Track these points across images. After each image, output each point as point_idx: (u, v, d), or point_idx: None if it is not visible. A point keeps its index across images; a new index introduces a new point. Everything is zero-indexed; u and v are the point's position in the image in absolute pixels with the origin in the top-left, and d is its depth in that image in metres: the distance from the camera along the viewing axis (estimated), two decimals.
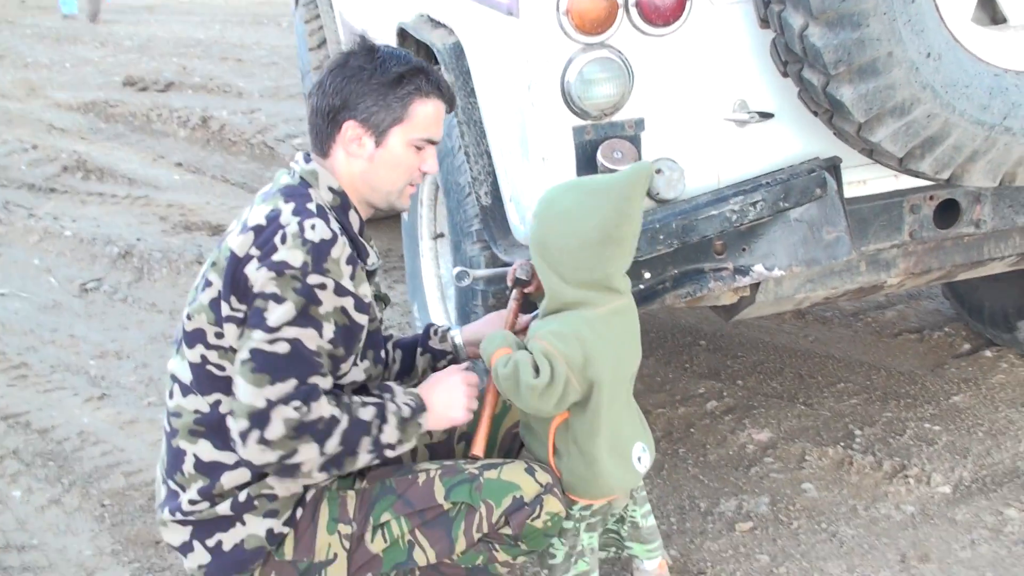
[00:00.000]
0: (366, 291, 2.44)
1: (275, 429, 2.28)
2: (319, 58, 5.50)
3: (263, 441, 2.28)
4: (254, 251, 2.34)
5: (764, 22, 2.73)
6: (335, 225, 2.40)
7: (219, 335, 2.39)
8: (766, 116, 2.85)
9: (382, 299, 2.70)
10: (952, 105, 2.58)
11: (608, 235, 2.41)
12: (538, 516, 2.48)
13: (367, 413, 2.38)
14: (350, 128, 2.46)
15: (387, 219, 5.64)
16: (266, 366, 2.30)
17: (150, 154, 7.34)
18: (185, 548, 2.49)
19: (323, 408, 2.31)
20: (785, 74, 2.76)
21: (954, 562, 2.99)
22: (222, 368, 2.41)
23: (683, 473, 3.48)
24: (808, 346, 4.30)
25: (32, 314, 5.19)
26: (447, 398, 2.52)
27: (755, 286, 3.10)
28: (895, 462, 3.43)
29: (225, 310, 2.37)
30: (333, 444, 2.32)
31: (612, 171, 2.71)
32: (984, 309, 4.13)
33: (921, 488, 3.32)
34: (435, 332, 2.89)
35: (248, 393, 2.29)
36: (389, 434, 2.40)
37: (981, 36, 2.64)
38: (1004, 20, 2.72)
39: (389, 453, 2.41)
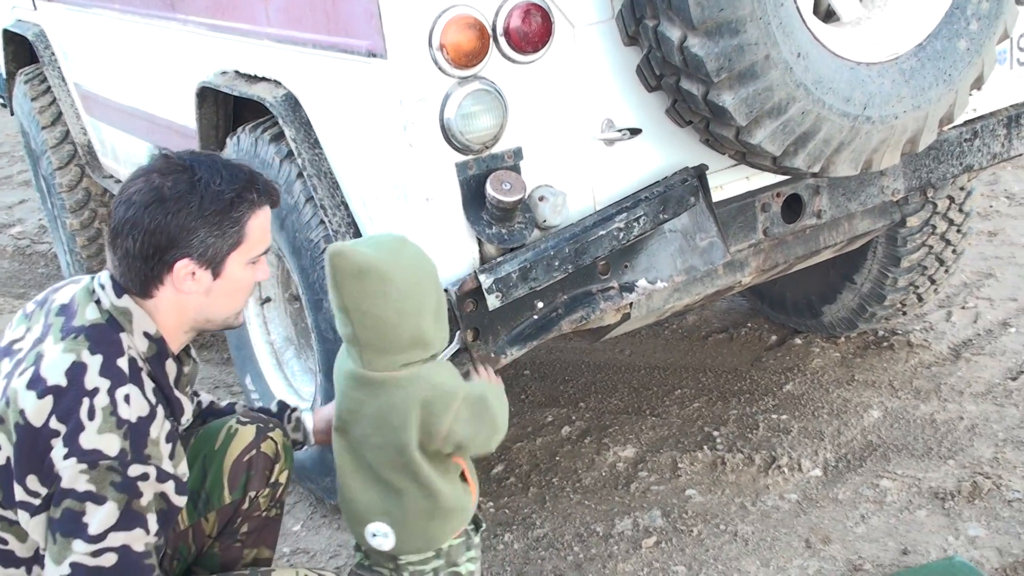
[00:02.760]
0: (184, 469, 2.20)
1: None
2: (56, 136, 5.12)
3: None
4: (56, 424, 2.03)
5: (631, 40, 2.76)
6: (150, 391, 2.13)
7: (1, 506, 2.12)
8: (635, 132, 2.88)
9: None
10: (822, 100, 2.69)
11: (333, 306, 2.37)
12: None
13: None
14: (183, 268, 2.17)
15: None
16: None
17: None
18: None
19: None
20: (653, 89, 2.80)
21: (854, 539, 3.11)
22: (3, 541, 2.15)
23: (566, 501, 3.45)
24: (628, 360, 4.37)
25: None
26: None
27: (630, 303, 3.13)
28: (763, 455, 3.54)
29: (19, 493, 2.07)
30: None
31: (503, 203, 2.66)
32: (787, 300, 4.34)
33: (795, 475, 3.43)
34: (288, 418, 2.75)
35: None
36: None
37: (832, 33, 2.77)
38: (836, 17, 2.88)
39: None
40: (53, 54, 5.03)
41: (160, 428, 2.11)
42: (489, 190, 2.67)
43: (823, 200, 3.24)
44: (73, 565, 2.01)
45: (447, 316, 2.45)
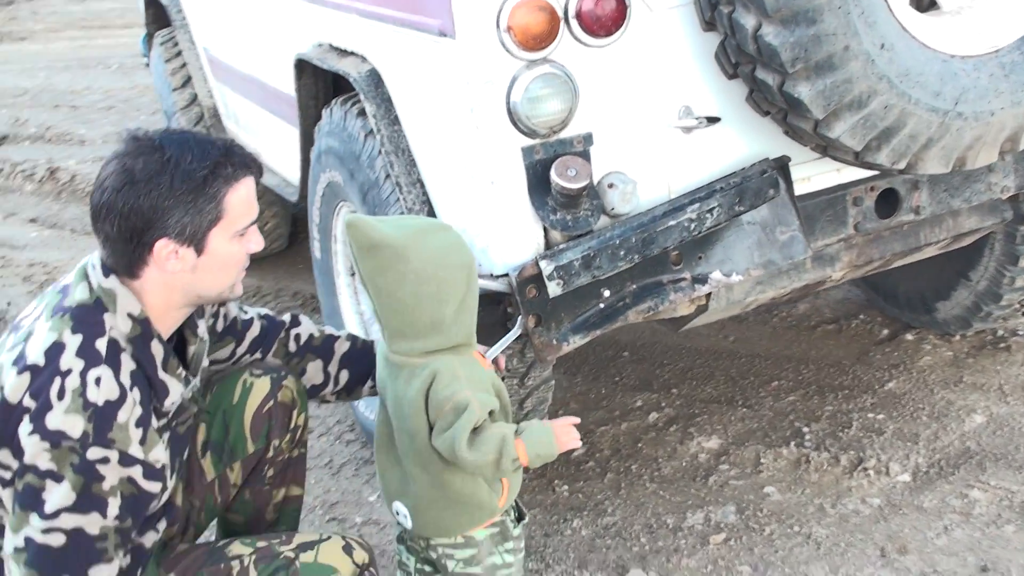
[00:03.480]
0: (158, 455, 2.18)
1: None
2: (185, 98, 5.25)
3: None
4: (28, 401, 2.08)
5: (709, 25, 2.67)
6: (128, 373, 2.14)
7: None
8: (712, 120, 2.79)
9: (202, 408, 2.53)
10: (907, 94, 2.56)
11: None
12: None
13: None
14: (163, 248, 2.17)
15: (272, 256, 5.48)
16: (37, 559, 2.06)
17: (2, 212, 6.95)
18: None
19: None
20: (732, 76, 2.71)
21: (933, 550, 2.97)
22: None
23: (642, 490, 3.40)
24: (731, 347, 4.27)
25: None
26: None
27: (708, 295, 3.05)
28: (850, 456, 3.41)
29: None
30: None
31: (568, 189, 2.61)
32: (899, 294, 4.17)
33: (882, 479, 3.30)
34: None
35: None
36: None
37: (925, 23, 2.63)
38: (936, 6, 2.72)
39: None
40: (184, 18, 5.15)
41: (130, 412, 2.11)
42: (554, 176, 2.63)
43: (923, 196, 3.09)
44: (27, 539, 2.06)
45: (476, 311, 2.38)
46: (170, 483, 2.32)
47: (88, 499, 2.05)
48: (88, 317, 2.15)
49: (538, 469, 3.54)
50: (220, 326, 2.61)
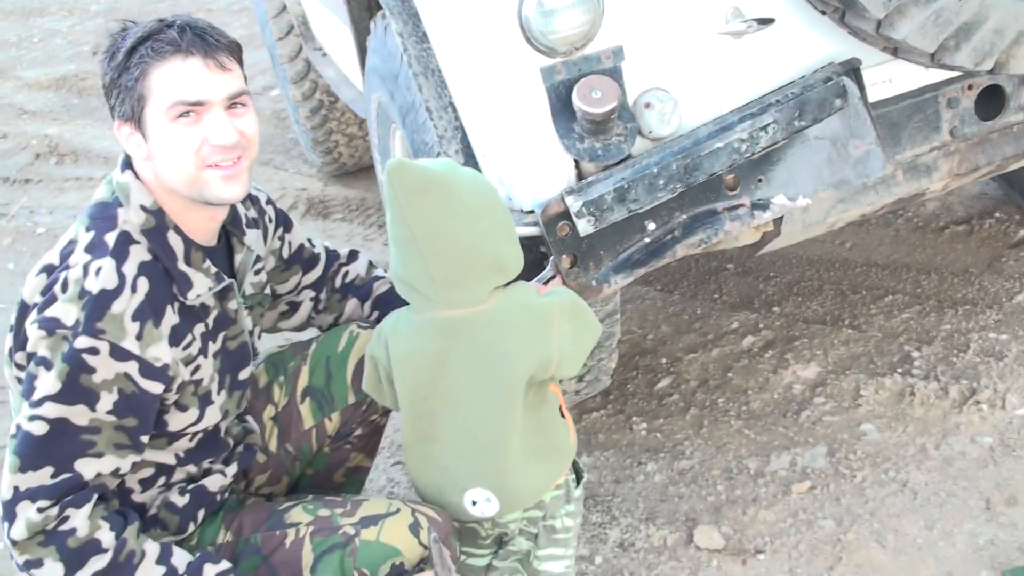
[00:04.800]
0: (158, 353, 2.03)
1: (18, 529, 1.97)
2: (276, 6, 5.04)
3: (9, 538, 1.97)
4: (38, 299, 2.03)
5: None
6: (131, 265, 2.02)
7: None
8: (765, 23, 2.40)
9: (258, 303, 2.37)
10: None
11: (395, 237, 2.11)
12: None
13: (147, 569, 2.04)
14: (119, 128, 2.08)
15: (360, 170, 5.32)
16: (21, 447, 1.97)
17: None
18: None
19: (81, 521, 1.98)
20: None
21: None
22: None
23: (725, 428, 3.10)
24: (846, 255, 3.87)
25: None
26: None
27: (779, 218, 2.69)
28: (962, 386, 3.03)
29: (11, 370, 2.08)
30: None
31: (592, 114, 2.29)
32: None
33: (996, 414, 2.92)
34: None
35: (4, 476, 1.99)
36: None
37: None
38: None
39: None
40: None
41: (126, 304, 1.99)
42: (576, 100, 2.31)
43: None
44: (17, 425, 2.00)
45: (517, 237, 2.18)
46: (218, 398, 2.21)
47: (73, 390, 1.96)
48: (102, 213, 2.09)
49: (615, 405, 3.28)
50: (286, 252, 2.51)
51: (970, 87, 2.60)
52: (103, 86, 2.09)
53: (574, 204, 2.34)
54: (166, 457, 2.19)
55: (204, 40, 2.07)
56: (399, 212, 2.04)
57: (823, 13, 2.32)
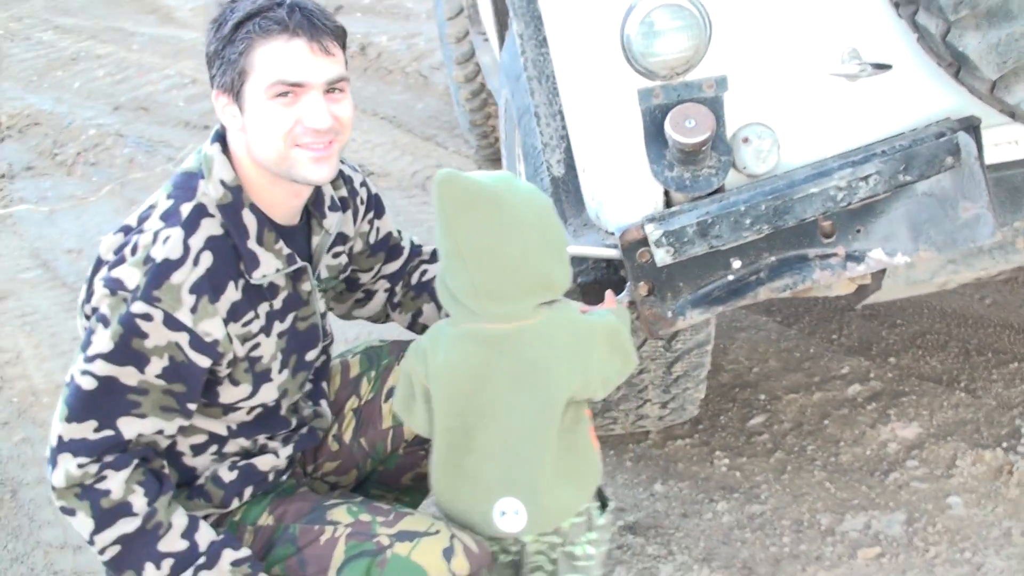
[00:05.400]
0: (210, 328, 2.05)
1: (58, 477, 2.03)
2: None
3: (51, 483, 2.05)
4: (111, 257, 2.08)
5: None
6: (199, 238, 2.05)
7: None
8: (882, 68, 2.28)
9: (331, 287, 2.40)
10: None
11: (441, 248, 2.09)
12: None
13: (170, 541, 2.06)
14: (217, 98, 2.10)
15: None
16: (71, 398, 2.04)
17: None
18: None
19: (118, 484, 2.02)
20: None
21: None
22: None
23: (808, 478, 2.98)
24: (983, 312, 3.67)
25: None
26: None
27: (880, 272, 2.57)
28: None
29: (81, 320, 2.13)
30: (108, 537, 2.03)
31: (682, 144, 2.22)
32: None
33: None
34: None
35: (54, 422, 2.06)
36: None
37: None
38: None
39: None
40: None
41: (185, 276, 2.02)
42: (668, 127, 2.24)
43: None
44: (71, 375, 2.05)
45: (568, 256, 2.15)
46: (279, 377, 2.23)
47: (125, 351, 2.01)
48: (185, 183, 2.13)
49: (702, 436, 3.20)
50: (373, 238, 2.51)
51: None
52: (206, 55, 2.12)
53: (654, 233, 2.28)
54: (219, 427, 2.22)
55: (311, 22, 2.07)
56: (446, 225, 2.02)
57: (941, 66, 2.19)
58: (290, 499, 2.31)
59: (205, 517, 2.20)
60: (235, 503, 2.25)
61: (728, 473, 3.04)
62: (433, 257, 2.61)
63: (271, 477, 2.31)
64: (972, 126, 2.30)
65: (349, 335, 3.74)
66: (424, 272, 2.58)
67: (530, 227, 2.05)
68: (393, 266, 2.55)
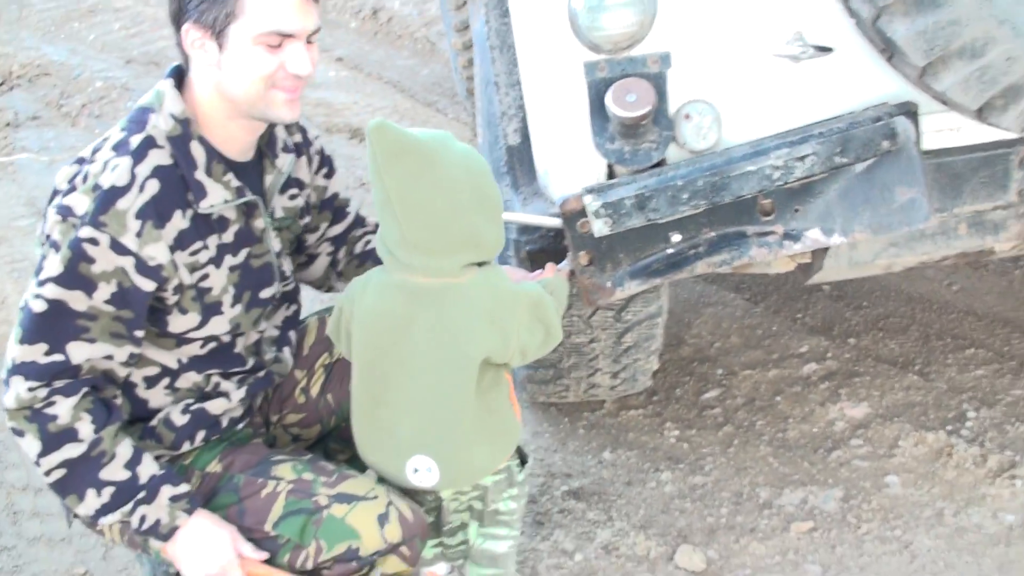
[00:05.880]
0: (154, 252, 2.11)
1: (9, 399, 2.11)
2: None
3: (3, 404, 2.13)
4: (63, 185, 2.15)
5: None
6: (146, 167, 2.11)
7: None
8: (824, 51, 2.32)
9: (288, 227, 2.41)
10: None
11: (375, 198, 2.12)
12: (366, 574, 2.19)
13: (113, 470, 2.12)
14: (188, 32, 2.12)
15: None
16: (24, 320, 2.10)
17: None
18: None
19: (65, 410, 2.09)
20: None
21: None
22: None
23: (753, 452, 3.04)
24: (949, 298, 3.71)
25: None
26: (200, 552, 2.20)
27: (822, 251, 2.61)
28: (1004, 457, 2.88)
29: (39, 249, 2.17)
30: (53, 460, 2.10)
31: (623, 118, 2.27)
32: None
33: None
34: None
35: (9, 344, 2.12)
36: (111, 510, 2.16)
37: None
38: None
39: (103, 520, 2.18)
40: None
41: (132, 202, 2.09)
42: (609, 100, 2.29)
43: None
44: (25, 299, 2.12)
45: (503, 221, 2.20)
46: (230, 311, 2.28)
47: (73, 276, 2.07)
48: (138, 117, 2.18)
49: (656, 407, 3.26)
50: (323, 195, 2.55)
51: None
52: None
53: (592, 203, 2.33)
54: (170, 359, 2.28)
55: None
56: (377, 173, 2.06)
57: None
58: (241, 449, 2.37)
59: (157, 458, 2.27)
60: (186, 446, 2.31)
61: (676, 444, 3.10)
62: (377, 228, 2.65)
63: (224, 423, 2.37)
64: (910, 111, 2.34)
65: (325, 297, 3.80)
66: (368, 242, 2.61)
67: (461, 184, 2.08)
68: (337, 228, 2.59)
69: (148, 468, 2.19)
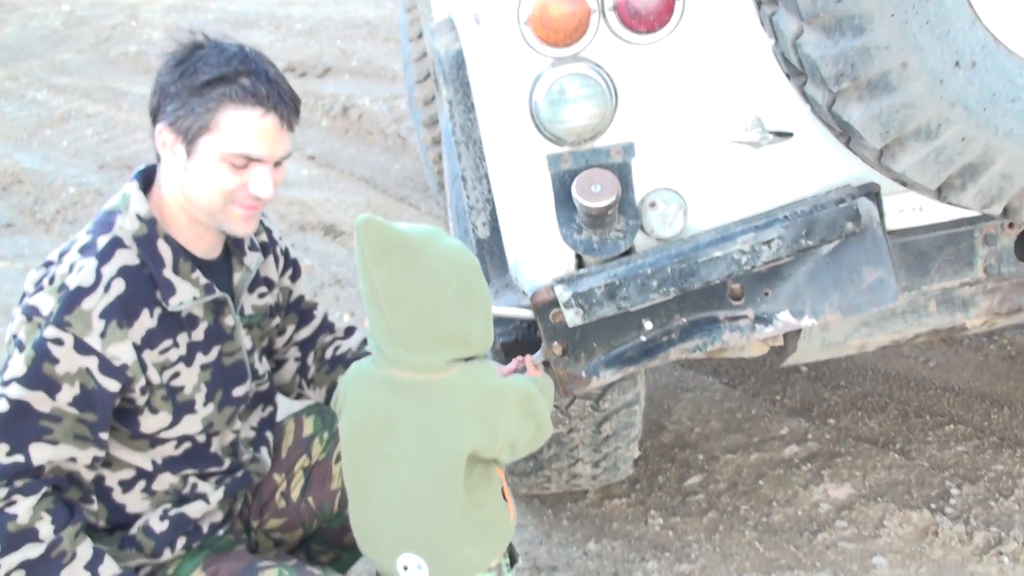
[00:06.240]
0: (118, 352, 2.11)
1: None
2: (419, 50, 5.17)
3: None
4: (31, 289, 2.15)
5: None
6: (112, 267, 2.12)
7: None
8: (783, 136, 2.35)
9: (258, 324, 2.41)
10: (993, 125, 2.03)
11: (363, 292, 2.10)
12: None
13: (72, 571, 2.09)
14: (161, 132, 2.15)
15: None
16: None
17: None
18: None
19: (24, 510, 2.07)
20: None
21: None
22: None
23: (738, 538, 3.01)
24: (926, 374, 3.71)
25: None
26: None
27: (795, 333, 2.61)
28: (991, 533, 2.87)
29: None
30: (12, 561, 2.06)
31: (588, 208, 2.28)
32: None
33: (1017, 569, 2.75)
34: None
35: None
36: None
37: None
38: None
39: None
40: None
41: (97, 302, 2.09)
42: (574, 192, 2.30)
43: None
44: None
45: (491, 317, 2.17)
46: (203, 409, 2.27)
47: (37, 376, 2.06)
48: (104, 219, 2.21)
49: (639, 495, 3.23)
50: (289, 298, 2.55)
51: (1011, 225, 2.47)
52: (160, 88, 2.16)
53: (563, 294, 2.33)
54: (144, 461, 2.25)
55: (283, 100, 2.17)
56: (364, 268, 2.06)
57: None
58: (225, 557, 2.34)
59: (138, 568, 2.24)
60: (167, 554, 2.28)
61: (661, 532, 3.07)
62: (347, 333, 2.65)
63: (205, 528, 2.34)
64: (872, 192, 2.36)
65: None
66: (337, 347, 2.60)
67: (448, 280, 2.07)
68: (304, 332, 2.58)
69: (109, 569, 2.16)
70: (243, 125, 2.12)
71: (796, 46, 2.05)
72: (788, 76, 2.21)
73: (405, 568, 2.19)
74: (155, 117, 2.17)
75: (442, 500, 2.14)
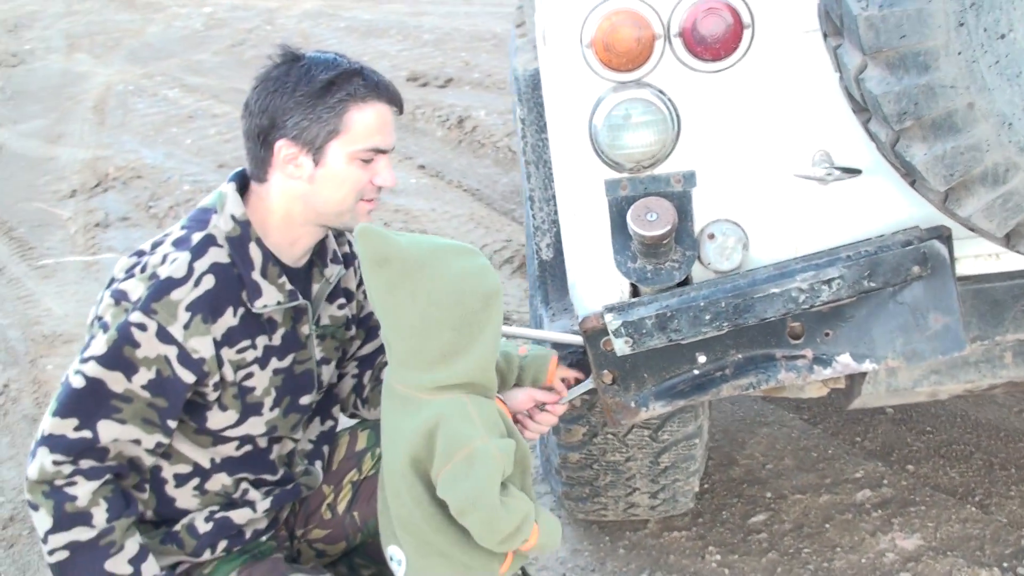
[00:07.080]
0: (199, 345, 2.13)
1: (33, 469, 2.10)
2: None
3: (26, 473, 2.11)
4: (122, 275, 2.18)
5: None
6: (204, 263, 2.15)
7: None
8: (852, 172, 2.26)
9: (332, 335, 2.42)
10: None
11: None
12: None
13: (117, 563, 2.11)
14: (283, 148, 2.16)
15: None
16: (60, 395, 2.11)
17: (400, 155, 7.24)
18: None
19: (84, 492, 2.10)
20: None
21: None
22: None
23: None
24: (1018, 425, 3.55)
25: None
26: None
27: (859, 377, 2.52)
28: None
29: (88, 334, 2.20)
30: (60, 540, 2.09)
31: (643, 237, 2.23)
32: None
33: None
34: None
35: (44, 416, 2.13)
36: None
37: None
38: None
39: None
40: None
41: (185, 295, 2.13)
42: (629, 219, 2.25)
43: None
44: (67, 374, 2.14)
45: (493, 349, 2.12)
46: (269, 413, 2.30)
47: (116, 357, 2.10)
48: (200, 216, 2.24)
49: (700, 529, 3.15)
50: (362, 311, 2.55)
51: None
52: (267, 107, 2.17)
53: (613, 322, 2.29)
54: (203, 458, 2.29)
55: (391, 89, 2.24)
56: (364, 277, 2.07)
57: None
58: (260, 564, 2.35)
59: (176, 564, 2.26)
60: (207, 554, 2.30)
61: (718, 569, 2.99)
62: None
63: (248, 534, 2.35)
64: (943, 236, 2.26)
65: None
66: None
67: (441, 300, 2.02)
68: (367, 348, 2.57)
69: (151, 568, 2.18)
70: (370, 121, 2.18)
71: (859, 81, 1.97)
72: (854, 111, 2.13)
73: (391, 559, 2.20)
74: (266, 136, 2.18)
75: (416, 506, 2.10)
